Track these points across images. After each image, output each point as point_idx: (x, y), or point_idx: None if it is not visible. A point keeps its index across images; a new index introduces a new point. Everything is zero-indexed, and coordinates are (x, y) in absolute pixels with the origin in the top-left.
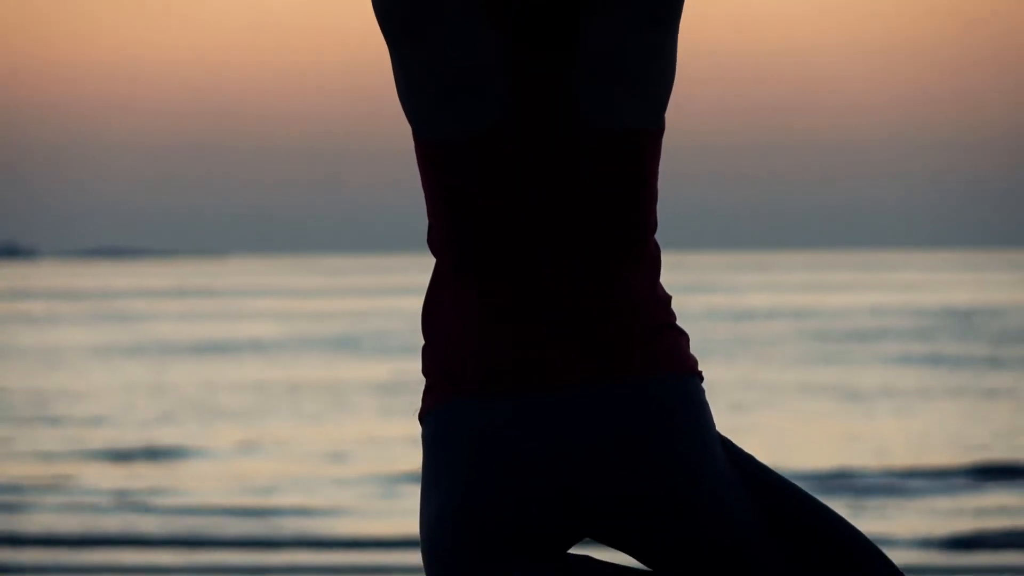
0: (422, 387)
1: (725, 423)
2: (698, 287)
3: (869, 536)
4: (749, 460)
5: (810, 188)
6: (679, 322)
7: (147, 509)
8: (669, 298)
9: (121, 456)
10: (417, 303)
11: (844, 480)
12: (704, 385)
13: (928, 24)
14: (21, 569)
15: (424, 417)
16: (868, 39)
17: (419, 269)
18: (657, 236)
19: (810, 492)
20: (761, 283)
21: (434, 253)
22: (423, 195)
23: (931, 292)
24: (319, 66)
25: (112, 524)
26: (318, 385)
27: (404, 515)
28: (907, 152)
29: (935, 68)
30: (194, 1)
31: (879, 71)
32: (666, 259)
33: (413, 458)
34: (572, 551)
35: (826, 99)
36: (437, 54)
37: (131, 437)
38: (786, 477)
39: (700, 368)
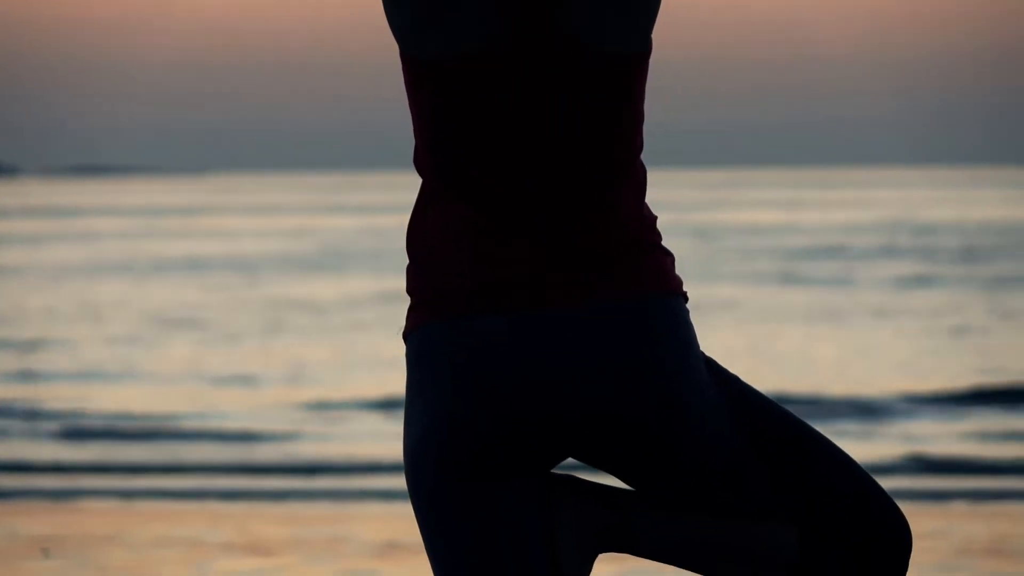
0: (407, 306)
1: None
2: (675, 205)
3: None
4: (734, 381)
5: (788, 104)
6: (664, 242)
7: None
8: (655, 218)
9: (74, 377)
10: (402, 221)
11: (813, 405)
12: (688, 306)
13: None
14: None
15: (409, 336)
16: None
17: (405, 187)
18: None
19: (793, 412)
20: (737, 200)
21: (420, 173)
22: (410, 114)
23: (905, 209)
24: None
25: (55, 450)
26: (291, 303)
27: (372, 440)
28: (883, 68)
29: None
30: None
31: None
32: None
33: (385, 382)
34: (555, 472)
35: (805, 14)
36: None
37: (87, 357)
38: (770, 397)
39: (685, 288)
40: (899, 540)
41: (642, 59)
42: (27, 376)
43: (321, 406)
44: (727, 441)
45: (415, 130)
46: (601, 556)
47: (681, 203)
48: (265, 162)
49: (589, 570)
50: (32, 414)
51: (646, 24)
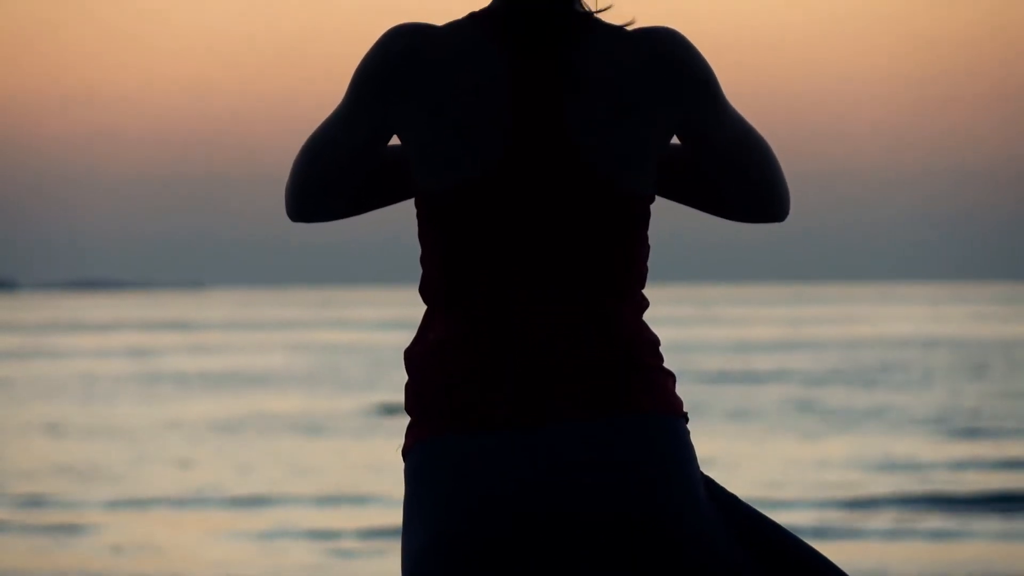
0: (406, 424)
1: None
2: (684, 321)
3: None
4: (732, 498)
5: (802, 219)
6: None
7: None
8: (657, 340)
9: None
10: (400, 338)
11: None
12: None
13: (929, 54)
14: None
15: (407, 453)
16: (864, 69)
17: (400, 303)
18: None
19: (788, 528)
20: (708, 317)
21: (425, 300)
22: (419, 242)
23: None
24: (305, 94)
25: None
26: (274, 419)
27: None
28: (898, 182)
29: (933, 98)
30: (176, 32)
31: (874, 100)
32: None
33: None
34: None
35: (819, 127)
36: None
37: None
38: (765, 514)
39: (685, 410)
40: None
41: (647, 199)
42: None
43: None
44: (724, 552)
45: (422, 258)
46: None
47: (687, 319)
48: (263, 277)
49: None
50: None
51: (651, 169)
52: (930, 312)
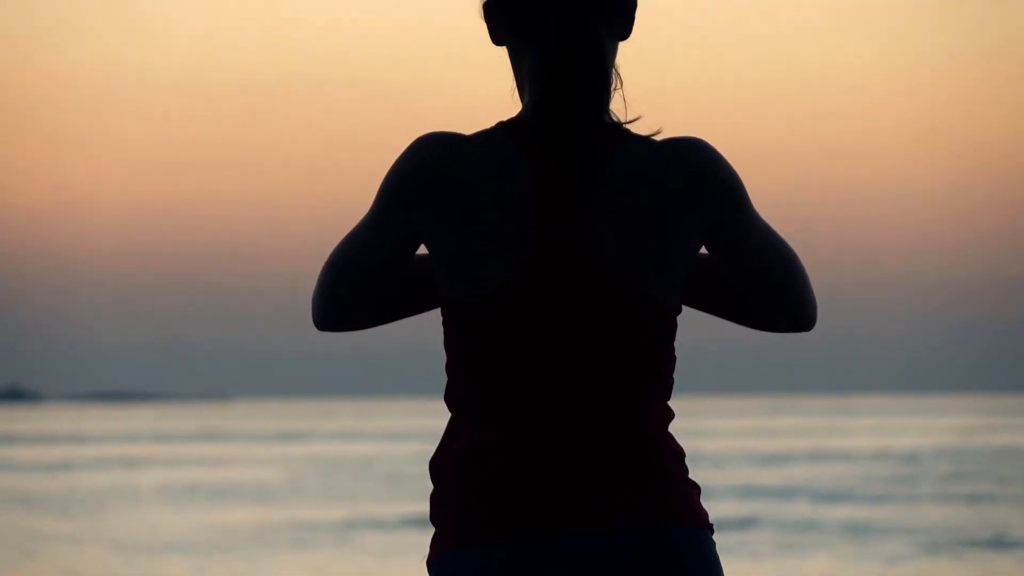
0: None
1: None
2: (711, 432)
3: None
4: None
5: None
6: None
7: None
8: (682, 452)
9: None
10: (417, 448)
11: None
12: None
13: (934, 165)
14: None
15: (432, 564)
16: (873, 181)
17: (422, 414)
18: None
19: None
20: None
21: (450, 408)
22: (444, 351)
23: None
24: (328, 207)
25: None
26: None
27: None
28: (901, 294)
29: (941, 212)
30: (195, 141)
31: (883, 214)
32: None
33: None
34: None
35: (828, 238)
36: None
37: None
38: None
39: (711, 522)
40: None
41: (674, 310)
42: None
43: None
44: None
45: (447, 366)
46: None
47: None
48: (287, 388)
49: None
50: None
51: (678, 280)
52: (961, 423)
